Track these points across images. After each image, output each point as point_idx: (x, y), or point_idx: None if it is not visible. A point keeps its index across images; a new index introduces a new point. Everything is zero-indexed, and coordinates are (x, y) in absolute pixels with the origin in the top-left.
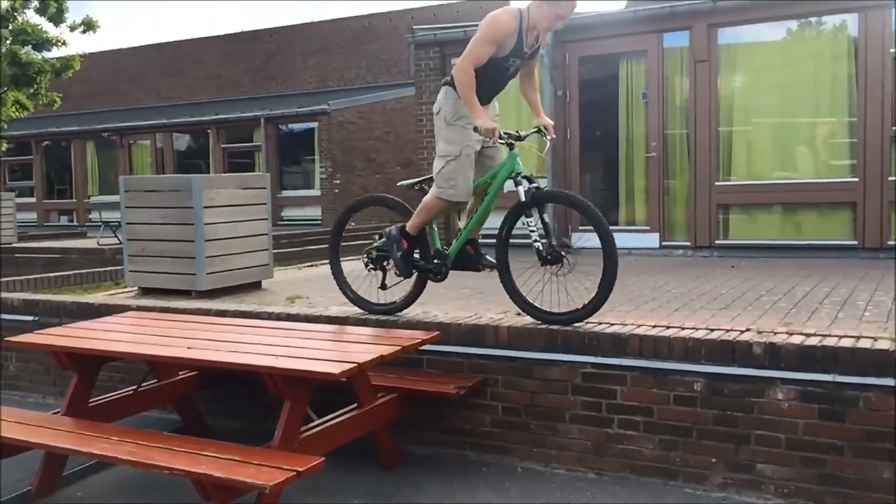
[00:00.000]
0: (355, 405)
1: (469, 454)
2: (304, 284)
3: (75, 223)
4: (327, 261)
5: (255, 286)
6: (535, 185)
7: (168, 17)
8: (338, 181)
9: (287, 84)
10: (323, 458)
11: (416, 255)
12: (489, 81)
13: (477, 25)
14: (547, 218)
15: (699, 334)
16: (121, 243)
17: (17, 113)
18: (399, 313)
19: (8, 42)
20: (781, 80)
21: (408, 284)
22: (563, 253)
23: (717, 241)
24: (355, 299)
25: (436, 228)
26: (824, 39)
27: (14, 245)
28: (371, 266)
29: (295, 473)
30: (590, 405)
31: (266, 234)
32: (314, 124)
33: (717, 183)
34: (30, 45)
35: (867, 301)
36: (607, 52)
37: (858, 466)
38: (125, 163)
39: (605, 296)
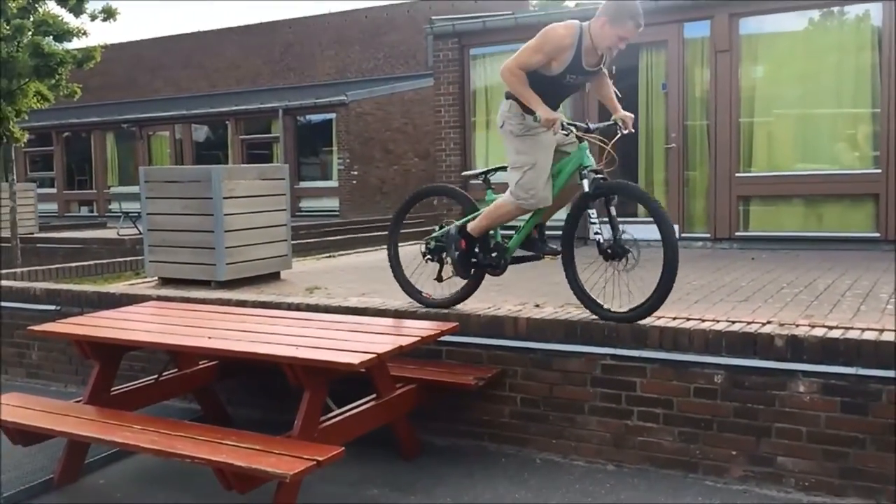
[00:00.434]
0: (374, 396)
1: (488, 445)
2: (322, 275)
3: (95, 214)
4: (347, 251)
5: (274, 277)
6: (601, 176)
7: (187, 8)
8: (355, 172)
9: (305, 75)
10: (342, 448)
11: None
12: (547, 96)
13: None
14: (613, 210)
15: (720, 326)
16: (140, 234)
17: (38, 104)
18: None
19: (30, 33)
20: (803, 71)
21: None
22: (627, 248)
23: (736, 233)
24: (410, 291)
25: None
26: (847, 29)
27: (35, 235)
28: (429, 257)
29: (315, 463)
30: (609, 397)
31: (285, 225)
32: (332, 115)
33: (737, 174)
34: (51, 36)
35: (890, 294)
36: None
37: (881, 460)
38: (144, 154)
39: (665, 292)
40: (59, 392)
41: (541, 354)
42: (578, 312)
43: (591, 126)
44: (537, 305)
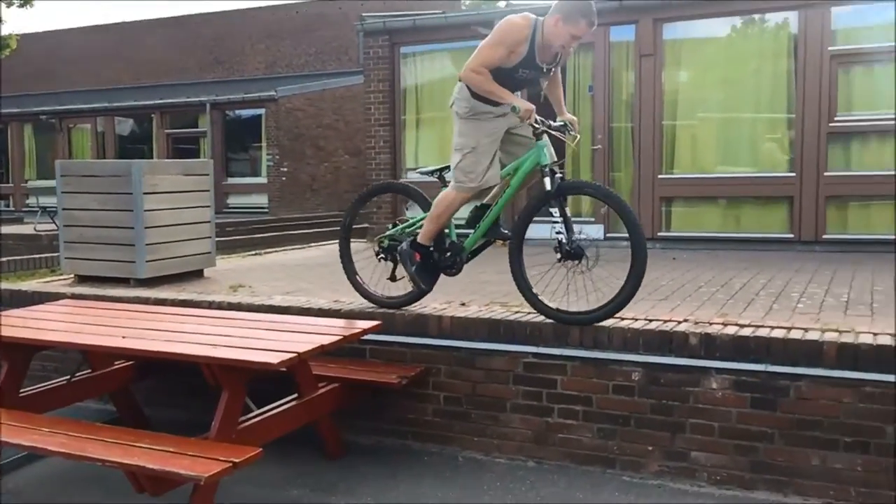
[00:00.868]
0: (296, 395)
1: (412, 444)
2: (248, 273)
3: (12, 208)
4: (275, 249)
5: (198, 274)
6: (561, 175)
7: None
8: (285, 169)
9: (234, 70)
10: (261, 449)
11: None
12: None
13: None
14: (568, 211)
15: (638, 325)
16: (58, 229)
17: None
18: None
19: None
20: (725, 76)
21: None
22: (584, 249)
23: (659, 234)
24: (362, 291)
25: (451, 220)
26: (767, 36)
27: None
28: (382, 256)
29: (231, 464)
30: (531, 395)
31: (209, 222)
32: (261, 111)
33: (660, 176)
34: None
35: (801, 293)
36: None
37: (789, 454)
38: (65, 147)
39: (631, 294)
40: None
41: (465, 353)
42: (502, 311)
43: (553, 124)
44: (463, 304)
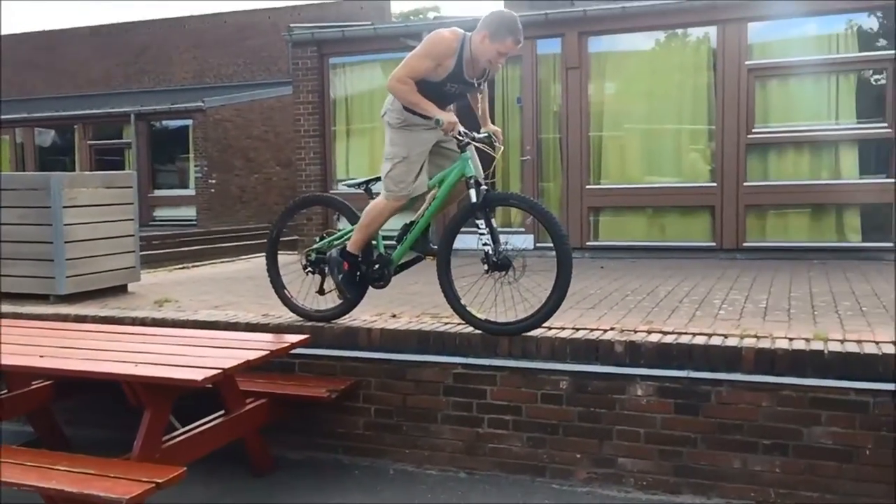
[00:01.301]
0: (223, 412)
1: (342, 458)
2: (174, 287)
3: None
4: (204, 262)
5: (121, 290)
6: (486, 187)
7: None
8: (214, 180)
9: (161, 80)
10: (185, 469)
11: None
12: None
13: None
14: (494, 222)
15: (565, 334)
16: None
17: None
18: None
19: None
20: (649, 89)
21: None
22: (511, 259)
23: (587, 243)
24: (290, 305)
25: (379, 231)
26: (688, 51)
27: None
28: (310, 269)
29: (154, 485)
30: (461, 405)
31: (132, 236)
32: (189, 122)
33: (587, 186)
34: None
35: (722, 300)
36: None
37: (711, 458)
38: None
39: (557, 304)
40: None
41: (395, 365)
42: (433, 322)
43: (477, 136)
44: (394, 315)
